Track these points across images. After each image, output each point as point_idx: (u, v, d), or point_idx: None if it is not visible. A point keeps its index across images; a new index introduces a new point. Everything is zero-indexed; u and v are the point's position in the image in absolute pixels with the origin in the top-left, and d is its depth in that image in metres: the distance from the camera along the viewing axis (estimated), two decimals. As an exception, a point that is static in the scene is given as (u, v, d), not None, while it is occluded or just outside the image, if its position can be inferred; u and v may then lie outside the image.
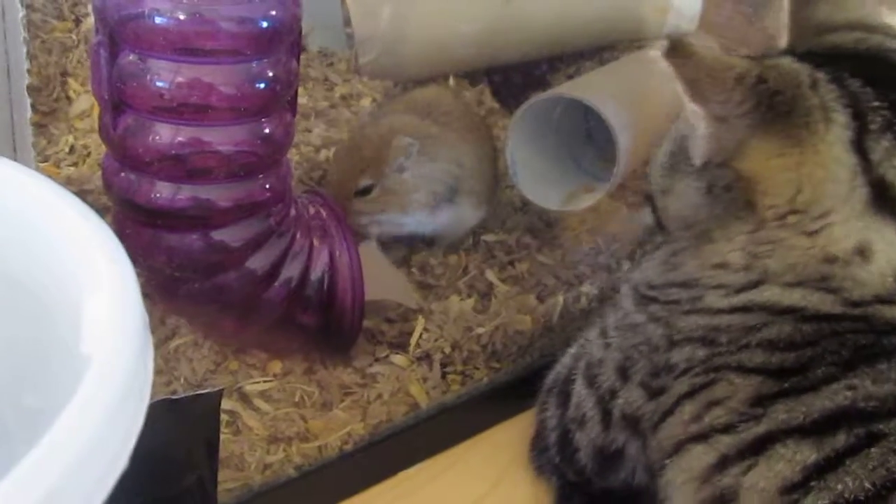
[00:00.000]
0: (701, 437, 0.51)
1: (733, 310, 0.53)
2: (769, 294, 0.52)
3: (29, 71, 0.86)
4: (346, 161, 0.81)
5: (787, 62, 0.54)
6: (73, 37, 0.94)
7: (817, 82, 0.52)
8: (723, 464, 0.49)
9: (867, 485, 0.44)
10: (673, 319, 0.56)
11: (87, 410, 0.26)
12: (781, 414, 0.48)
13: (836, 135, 0.50)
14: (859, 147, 0.50)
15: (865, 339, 0.49)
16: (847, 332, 0.49)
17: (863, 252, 0.50)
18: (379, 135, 0.81)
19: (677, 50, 0.50)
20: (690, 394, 0.53)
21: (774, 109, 0.50)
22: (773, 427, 0.48)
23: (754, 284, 0.53)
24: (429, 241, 0.88)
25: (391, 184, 0.80)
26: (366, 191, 0.80)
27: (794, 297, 0.51)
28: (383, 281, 0.77)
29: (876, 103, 0.51)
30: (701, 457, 0.50)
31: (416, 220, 0.84)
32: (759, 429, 0.48)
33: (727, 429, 0.49)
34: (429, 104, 0.87)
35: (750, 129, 0.51)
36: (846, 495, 0.44)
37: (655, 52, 0.51)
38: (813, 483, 0.45)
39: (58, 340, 0.30)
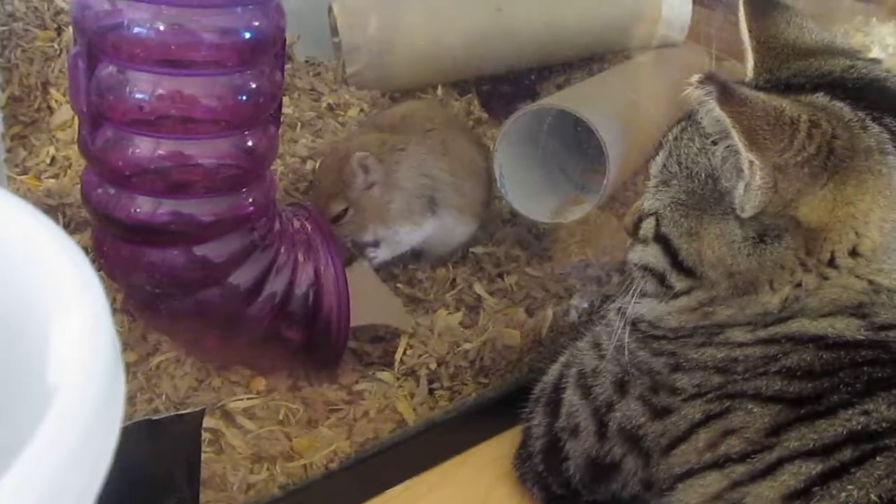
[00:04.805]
0: (716, 466, 0.50)
1: (757, 342, 0.52)
2: (797, 326, 0.51)
3: (2, 86, 0.85)
4: (315, 193, 0.83)
5: (825, 101, 0.52)
6: (56, 46, 0.93)
7: (864, 122, 0.51)
8: (734, 486, 0.49)
9: (873, 496, 0.43)
10: (682, 350, 0.55)
11: (53, 444, 0.25)
12: (794, 442, 0.48)
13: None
14: None
15: (882, 371, 0.48)
16: (865, 362, 0.49)
17: None
18: (337, 159, 0.81)
19: (730, 96, 0.48)
20: (705, 422, 0.52)
21: (836, 155, 0.48)
22: (785, 454, 0.47)
23: (784, 319, 0.52)
24: (416, 255, 0.87)
25: (363, 202, 0.80)
26: (340, 216, 0.80)
27: (822, 326, 0.50)
28: (377, 303, 0.76)
29: None
30: (714, 483, 0.50)
31: (402, 233, 0.83)
32: (772, 456, 0.48)
33: (743, 458, 0.49)
34: (401, 118, 0.87)
35: (811, 178, 0.48)
36: None
37: (698, 92, 0.49)
38: (815, 489, 0.45)
39: (25, 369, 0.29)
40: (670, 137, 0.57)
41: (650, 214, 0.57)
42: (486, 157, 0.91)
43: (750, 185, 0.49)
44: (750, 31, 0.59)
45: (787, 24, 0.59)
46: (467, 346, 0.73)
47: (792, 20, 0.59)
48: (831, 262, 0.50)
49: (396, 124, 0.86)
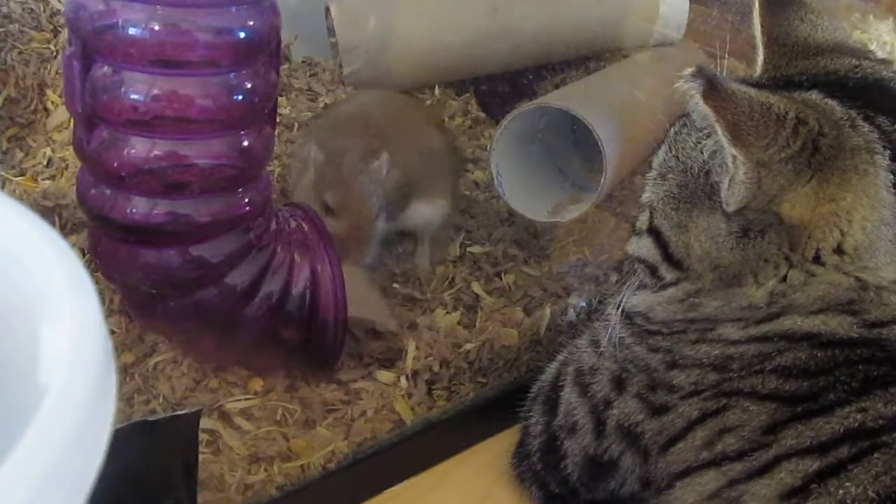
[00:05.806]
0: (713, 464, 0.50)
1: (750, 340, 0.52)
2: (790, 323, 0.51)
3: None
4: (361, 192, 0.79)
5: (817, 98, 0.52)
6: (52, 48, 0.93)
7: (854, 121, 0.50)
8: (731, 484, 0.49)
9: (871, 493, 0.43)
10: (677, 347, 0.55)
11: (42, 444, 0.25)
12: (791, 440, 0.47)
13: (882, 178, 0.49)
14: None
15: (878, 369, 0.48)
16: (861, 360, 0.49)
17: None
18: (360, 153, 0.79)
19: (716, 91, 0.48)
20: (702, 419, 0.52)
21: (821, 153, 0.48)
22: (782, 452, 0.47)
23: (775, 316, 0.52)
24: (411, 241, 0.87)
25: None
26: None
27: (814, 323, 0.50)
28: (364, 301, 0.76)
29: None
30: (712, 482, 0.50)
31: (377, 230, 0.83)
32: (770, 454, 0.48)
33: (740, 456, 0.49)
34: (362, 117, 0.85)
35: (794, 175, 0.48)
36: (848, 502, 0.44)
37: (687, 85, 0.49)
38: (813, 486, 0.45)
39: (15, 370, 0.29)
40: (672, 132, 0.57)
41: (647, 207, 0.58)
42: (444, 134, 0.91)
43: (734, 179, 0.49)
44: (762, 27, 0.59)
45: (801, 20, 0.59)
46: (468, 346, 0.73)
47: (806, 17, 0.59)
48: (817, 259, 0.50)
49: (370, 123, 0.84)
